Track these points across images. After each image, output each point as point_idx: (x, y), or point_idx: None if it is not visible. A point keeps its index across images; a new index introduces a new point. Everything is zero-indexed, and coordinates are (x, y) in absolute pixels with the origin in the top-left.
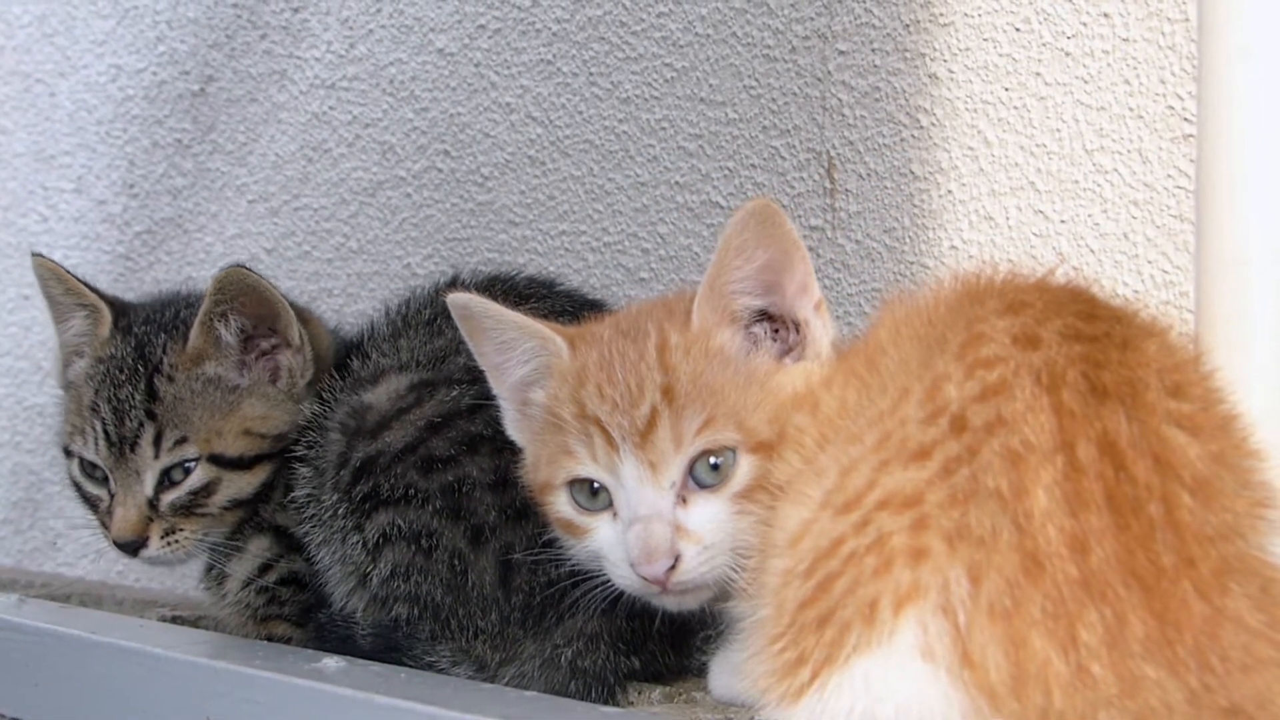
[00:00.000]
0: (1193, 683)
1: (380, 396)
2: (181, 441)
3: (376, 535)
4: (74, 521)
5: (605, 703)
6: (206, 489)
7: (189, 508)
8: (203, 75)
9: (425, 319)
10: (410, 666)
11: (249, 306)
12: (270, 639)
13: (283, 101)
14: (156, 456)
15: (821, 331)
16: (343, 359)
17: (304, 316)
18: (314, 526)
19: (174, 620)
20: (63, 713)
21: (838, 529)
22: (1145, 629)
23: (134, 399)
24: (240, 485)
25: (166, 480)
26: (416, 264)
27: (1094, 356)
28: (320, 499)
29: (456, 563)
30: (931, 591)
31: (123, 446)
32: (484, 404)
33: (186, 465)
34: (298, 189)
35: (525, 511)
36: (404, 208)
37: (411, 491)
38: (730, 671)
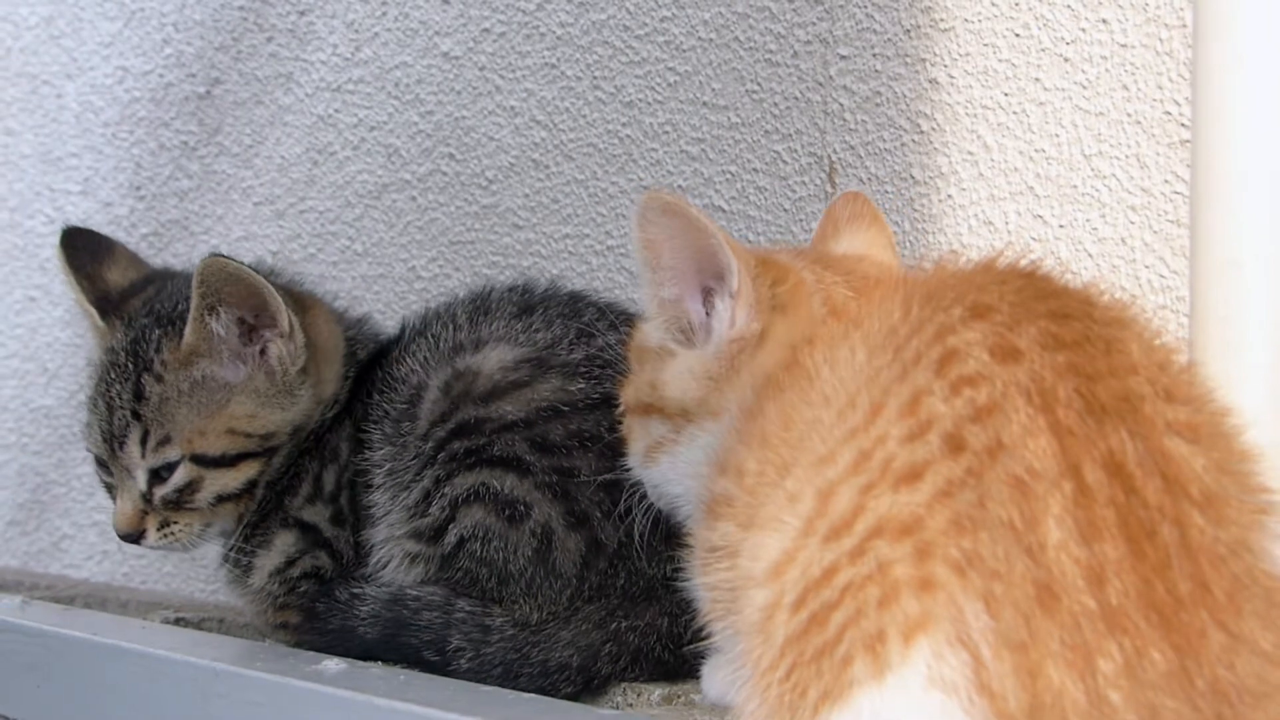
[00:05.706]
0: (1209, 716)
1: (489, 363)
2: (165, 442)
3: (466, 492)
4: (80, 522)
5: (624, 672)
6: (190, 486)
7: (177, 503)
8: (209, 78)
9: (514, 302)
10: (414, 641)
11: (237, 296)
12: (285, 625)
13: (288, 104)
14: (143, 456)
15: None
16: (417, 333)
17: (305, 303)
18: (387, 478)
19: (177, 622)
20: (65, 715)
21: (828, 557)
22: (1165, 663)
23: (122, 398)
24: (224, 482)
25: (156, 477)
26: (421, 267)
27: (1082, 367)
28: (402, 456)
29: (542, 536)
30: (945, 622)
31: (113, 444)
32: (600, 403)
33: (171, 464)
34: (303, 192)
35: (624, 515)
36: (409, 211)
37: (520, 461)
38: (722, 676)
